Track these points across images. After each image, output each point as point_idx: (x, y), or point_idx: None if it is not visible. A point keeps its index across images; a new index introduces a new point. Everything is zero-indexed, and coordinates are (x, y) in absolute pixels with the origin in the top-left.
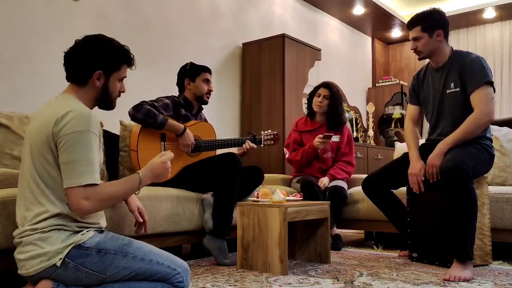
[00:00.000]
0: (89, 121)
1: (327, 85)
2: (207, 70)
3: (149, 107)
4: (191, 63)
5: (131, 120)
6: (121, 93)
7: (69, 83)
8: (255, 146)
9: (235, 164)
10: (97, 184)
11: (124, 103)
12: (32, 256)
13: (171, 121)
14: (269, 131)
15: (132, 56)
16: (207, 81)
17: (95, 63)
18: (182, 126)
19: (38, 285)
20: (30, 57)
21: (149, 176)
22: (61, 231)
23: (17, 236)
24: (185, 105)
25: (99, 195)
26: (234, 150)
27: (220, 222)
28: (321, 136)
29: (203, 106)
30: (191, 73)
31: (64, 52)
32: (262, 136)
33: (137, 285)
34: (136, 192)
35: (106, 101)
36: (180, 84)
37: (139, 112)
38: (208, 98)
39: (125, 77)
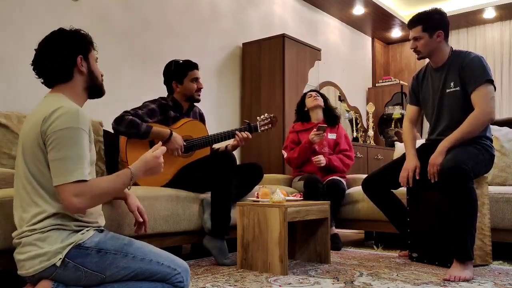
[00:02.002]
0: (77, 118)
1: (312, 90)
2: (193, 67)
3: (131, 117)
4: (175, 62)
5: (114, 133)
6: (103, 77)
7: (51, 87)
8: (249, 135)
9: (228, 162)
10: (87, 180)
11: (124, 102)
12: (31, 256)
13: (156, 128)
14: (266, 114)
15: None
16: (196, 79)
17: (72, 51)
18: (167, 131)
19: (37, 286)
20: (30, 57)
21: (142, 170)
22: (60, 230)
23: (16, 237)
24: (173, 106)
25: (90, 191)
26: (230, 142)
27: (218, 222)
28: (315, 129)
29: (195, 104)
30: (177, 74)
31: (32, 63)
32: (258, 122)
33: (137, 285)
34: (128, 188)
35: (95, 86)
36: (168, 85)
37: (121, 125)
38: (199, 95)
39: (97, 58)
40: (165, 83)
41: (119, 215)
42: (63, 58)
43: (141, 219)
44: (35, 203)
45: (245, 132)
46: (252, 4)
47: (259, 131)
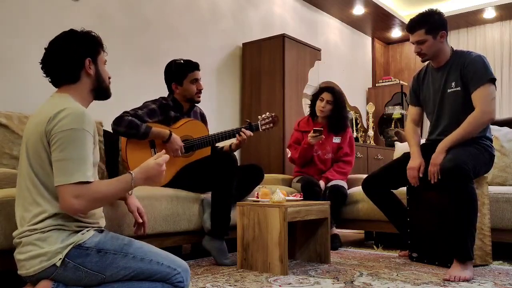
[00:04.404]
0: (83, 119)
1: (330, 89)
2: (193, 68)
3: (130, 118)
4: (175, 62)
5: (113, 133)
6: (110, 79)
7: (58, 87)
8: (251, 133)
9: (230, 164)
10: (89, 183)
11: (125, 102)
12: (31, 256)
13: (155, 129)
14: (267, 113)
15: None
16: (195, 80)
17: (81, 53)
18: (167, 131)
19: (37, 286)
20: (30, 57)
21: (143, 177)
22: (60, 231)
23: (17, 237)
24: (174, 106)
25: (90, 194)
26: (232, 141)
27: (218, 223)
28: (311, 133)
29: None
30: (176, 76)
31: (41, 62)
32: (259, 122)
33: (137, 285)
34: (129, 192)
35: (102, 89)
36: (168, 85)
37: (120, 126)
38: (199, 97)
39: (106, 61)
40: (166, 82)
41: (119, 215)
42: (71, 60)
43: (140, 220)
44: (37, 203)
45: (248, 130)
46: (252, 4)
47: (260, 130)
